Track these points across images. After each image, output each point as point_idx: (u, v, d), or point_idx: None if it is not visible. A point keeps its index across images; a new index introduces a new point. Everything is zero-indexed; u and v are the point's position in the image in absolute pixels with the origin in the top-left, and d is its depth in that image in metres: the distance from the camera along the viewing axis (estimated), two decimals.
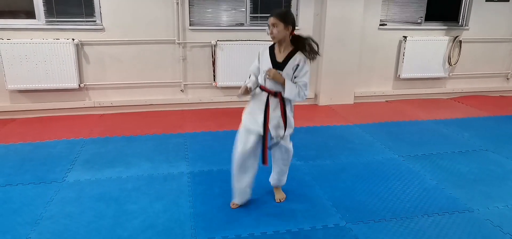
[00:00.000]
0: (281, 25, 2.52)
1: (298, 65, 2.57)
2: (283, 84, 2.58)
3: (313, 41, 2.61)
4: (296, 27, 2.61)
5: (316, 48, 2.61)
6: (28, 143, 4.02)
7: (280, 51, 2.63)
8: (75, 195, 3.01)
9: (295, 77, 2.60)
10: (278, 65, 2.60)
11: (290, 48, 2.61)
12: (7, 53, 4.54)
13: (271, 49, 2.68)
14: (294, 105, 2.79)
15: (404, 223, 2.73)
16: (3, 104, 4.83)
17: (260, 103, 2.66)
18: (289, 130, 2.76)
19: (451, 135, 4.48)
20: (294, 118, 2.78)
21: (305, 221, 2.73)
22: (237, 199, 2.86)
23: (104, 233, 2.56)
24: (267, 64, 2.63)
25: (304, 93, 2.60)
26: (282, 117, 2.67)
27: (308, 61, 2.61)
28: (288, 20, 2.54)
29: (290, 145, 2.85)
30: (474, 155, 3.93)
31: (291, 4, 5.33)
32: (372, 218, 2.78)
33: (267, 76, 2.60)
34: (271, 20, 2.53)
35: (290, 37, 2.61)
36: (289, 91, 2.57)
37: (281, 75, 2.58)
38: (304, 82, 2.59)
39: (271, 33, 2.56)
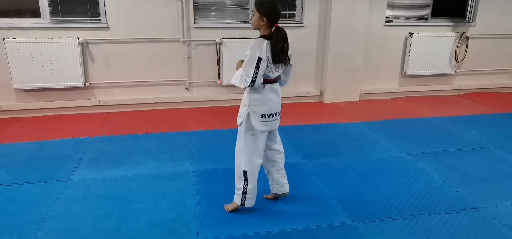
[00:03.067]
0: (256, 14, 2.49)
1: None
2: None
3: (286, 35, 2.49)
4: (274, 19, 2.46)
5: (280, 40, 2.45)
6: (34, 142, 4.03)
7: None
8: (81, 194, 3.03)
9: None
10: None
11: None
12: (13, 52, 4.56)
13: None
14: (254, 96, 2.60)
15: (410, 222, 2.70)
16: (9, 103, 4.85)
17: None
18: (239, 120, 2.66)
19: (458, 132, 4.44)
20: (250, 109, 2.59)
21: (310, 220, 2.71)
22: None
23: (110, 232, 2.56)
24: None
25: (236, 79, 2.49)
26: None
27: (257, 43, 2.42)
28: (261, 9, 2.46)
29: (237, 144, 2.71)
30: (482, 152, 3.89)
31: (296, 1, 5.30)
32: (378, 217, 2.76)
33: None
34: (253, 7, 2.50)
35: (272, 29, 2.49)
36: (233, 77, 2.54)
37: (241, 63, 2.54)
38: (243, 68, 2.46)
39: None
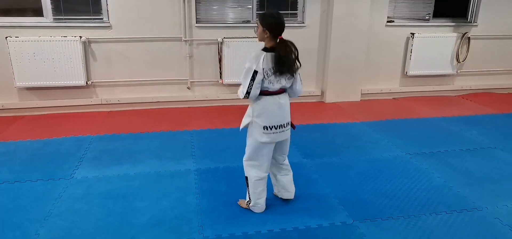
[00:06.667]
0: (260, 27, 2.50)
1: None
2: None
3: (291, 47, 2.50)
4: (277, 32, 2.46)
5: (284, 54, 2.45)
6: (36, 140, 4.05)
7: None
8: (83, 192, 3.04)
9: None
10: None
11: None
12: (16, 51, 4.57)
13: None
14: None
15: (411, 222, 2.71)
16: (12, 101, 4.87)
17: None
18: (241, 126, 2.69)
19: (459, 132, 4.44)
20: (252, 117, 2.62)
21: (312, 219, 2.72)
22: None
23: (112, 230, 2.58)
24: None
25: (239, 91, 2.59)
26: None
27: (255, 56, 2.44)
28: (264, 23, 2.46)
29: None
30: (483, 153, 3.90)
31: (298, 1, 5.31)
32: (379, 216, 2.77)
33: None
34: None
35: (277, 40, 2.48)
36: None
37: None
38: None
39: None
